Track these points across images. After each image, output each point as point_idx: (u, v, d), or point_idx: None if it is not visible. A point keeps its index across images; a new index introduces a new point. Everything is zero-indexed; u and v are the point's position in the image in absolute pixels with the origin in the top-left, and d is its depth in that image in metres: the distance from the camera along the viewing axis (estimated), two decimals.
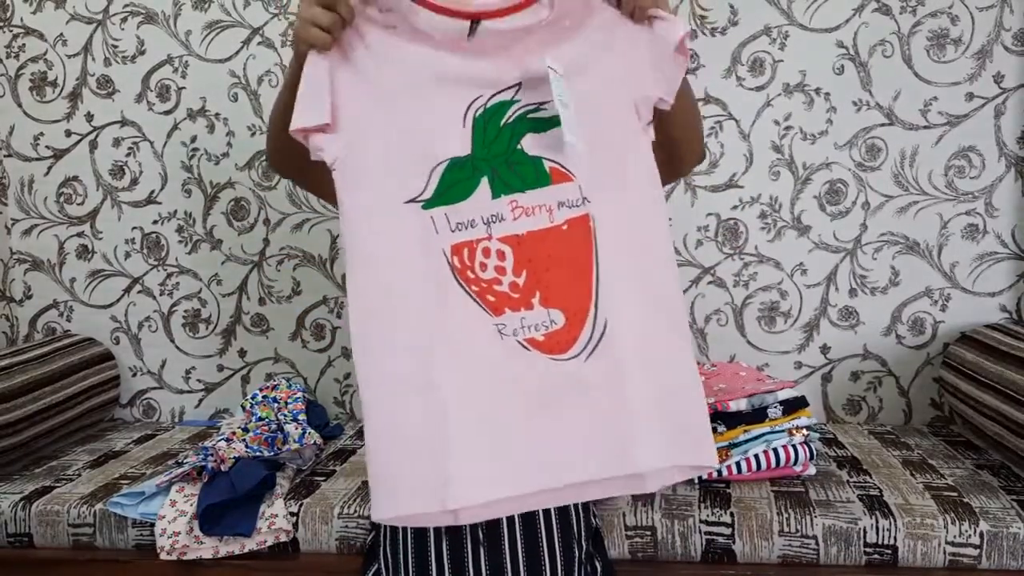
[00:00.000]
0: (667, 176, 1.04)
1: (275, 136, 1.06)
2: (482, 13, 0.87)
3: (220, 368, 2.06)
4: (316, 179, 1.02)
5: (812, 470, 1.51)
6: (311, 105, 0.88)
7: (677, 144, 1.09)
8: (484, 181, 0.88)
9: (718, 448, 1.45)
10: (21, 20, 2.00)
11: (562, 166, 0.92)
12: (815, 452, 1.52)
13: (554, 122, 0.89)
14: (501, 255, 0.88)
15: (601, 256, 0.91)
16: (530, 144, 0.91)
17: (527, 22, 0.90)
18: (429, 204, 0.88)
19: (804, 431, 1.50)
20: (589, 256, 0.90)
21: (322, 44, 0.88)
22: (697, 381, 0.93)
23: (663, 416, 0.90)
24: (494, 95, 0.90)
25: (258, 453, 1.55)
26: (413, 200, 0.88)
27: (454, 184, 0.88)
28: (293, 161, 1.03)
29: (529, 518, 1.18)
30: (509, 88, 0.90)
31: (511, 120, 0.90)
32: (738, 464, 1.48)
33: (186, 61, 1.97)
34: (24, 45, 2.01)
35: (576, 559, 1.20)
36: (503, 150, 0.89)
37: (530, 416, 0.88)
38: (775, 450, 1.48)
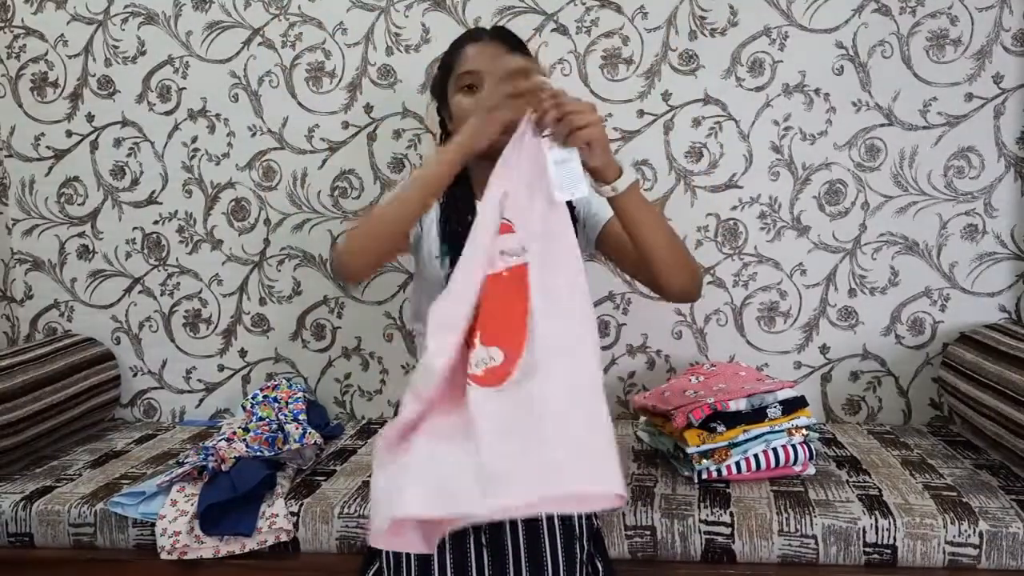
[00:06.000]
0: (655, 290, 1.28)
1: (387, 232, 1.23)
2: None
3: (221, 368, 2.06)
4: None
5: (811, 470, 1.51)
6: None
7: (655, 266, 1.22)
8: None
9: (718, 448, 1.46)
10: (22, 21, 2.00)
11: (506, 219, 1.08)
12: (814, 452, 1.52)
13: None
14: None
15: (534, 299, 1.01)
16: None
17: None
18: None
19: (803, 431, 1.50)
20: (525, 300, 1.00)
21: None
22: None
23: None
24: None
25: (259, 453, 1.56)
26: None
27: None
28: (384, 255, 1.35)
29: (531, 519, 1.18)
30: None
31: None
32: (737, 464, 1.48)
33: (187, 62, 1.97)
34: (25, 46, 2.01)
35: (578, 560, 1.20)
36: None
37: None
38: (774, 450, 1.49)
